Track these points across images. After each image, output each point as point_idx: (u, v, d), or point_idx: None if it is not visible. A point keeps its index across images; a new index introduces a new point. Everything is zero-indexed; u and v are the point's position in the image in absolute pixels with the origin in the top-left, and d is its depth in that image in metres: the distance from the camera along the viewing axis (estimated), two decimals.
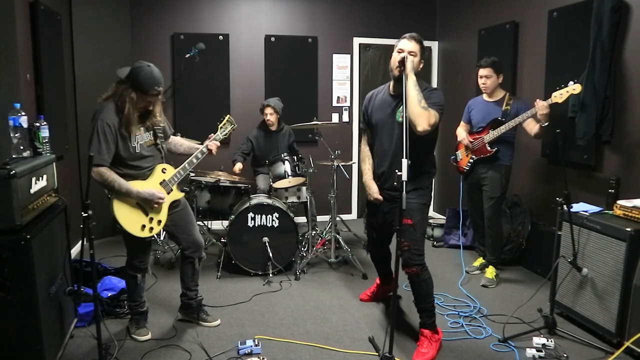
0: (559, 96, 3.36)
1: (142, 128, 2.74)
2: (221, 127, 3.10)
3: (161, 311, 3.32)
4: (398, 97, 2.83)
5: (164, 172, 2.85)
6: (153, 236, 2.84)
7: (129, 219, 2.69)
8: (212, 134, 3.05)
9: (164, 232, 4.03)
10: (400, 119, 2.81)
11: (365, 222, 3.38)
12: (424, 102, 2.61)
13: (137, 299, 2.98)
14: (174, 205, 2.91)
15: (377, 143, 3.01)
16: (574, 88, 3.31)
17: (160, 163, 2.87)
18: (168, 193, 2.84)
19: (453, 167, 4.19)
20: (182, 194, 2.98)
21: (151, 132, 2.81)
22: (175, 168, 2.89)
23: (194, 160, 2.92)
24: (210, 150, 2.98)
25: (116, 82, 2.63)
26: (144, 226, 2.74)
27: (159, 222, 2.82)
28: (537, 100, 3.43)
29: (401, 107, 2.76)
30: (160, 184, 2.82)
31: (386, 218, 3.01)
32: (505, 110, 3.76)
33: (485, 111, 3.87)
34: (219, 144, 3.03)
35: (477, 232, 4.24)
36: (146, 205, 2.74)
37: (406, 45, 2.74)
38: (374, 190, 2.99)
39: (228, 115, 3.17)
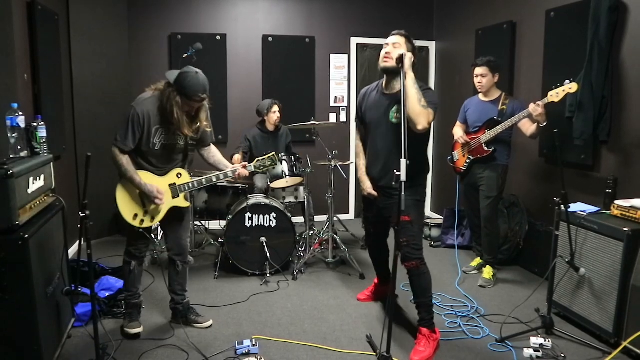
0: (555, 95, 3.36)
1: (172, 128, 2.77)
2: (259, 160, 3.06)
3: (158, 311, 3.31)
4: (391, 97, 2.87)
5: (179, 177, 2.89)
6: (141, 229, 2.84)
7: (126, 203, 2.78)
8: (246, 162, 3.05)
9: (162, 232, 4.03)
10: (394, 120, 2.83)
11: (362, 217, 3.42)
12: (423, 100, 2.63)
13: (132, 289, 3.00)
14: (176, 207, 2.93)
15: (369, 141, 3.03)
16: (570, 87, 3.31)
17: (178, 167, 2.90)
18: (173, 197, 2.86)
19: (450, 167, 4.19)
20: (188, 204, 2.99)
21: (185, 136, 2.84)
22: (192, 177, 2.93)
23: (213, 179, 2.95)
24: (238, 175, 2.97)
25: (165, 82, 2.72)
26: (136, 215, 2.80)
27: (152, 218, 2.85)
28: (531, 104, 3.43)
29: (394, 107, 2.79)
30: (170, 186, 2.85)
31: (382, 213, 3.03)
32: (501, 109, 3.76)
33: (481, 111, 3.87)
34: (247, 172, 3.01)
35: (475, 232, 4.24)
36: (145, 199, 2.80)
37: (390, 39, 2.81)
38: (367, 186, 3.02)
39: (273, 153, 3.11)
